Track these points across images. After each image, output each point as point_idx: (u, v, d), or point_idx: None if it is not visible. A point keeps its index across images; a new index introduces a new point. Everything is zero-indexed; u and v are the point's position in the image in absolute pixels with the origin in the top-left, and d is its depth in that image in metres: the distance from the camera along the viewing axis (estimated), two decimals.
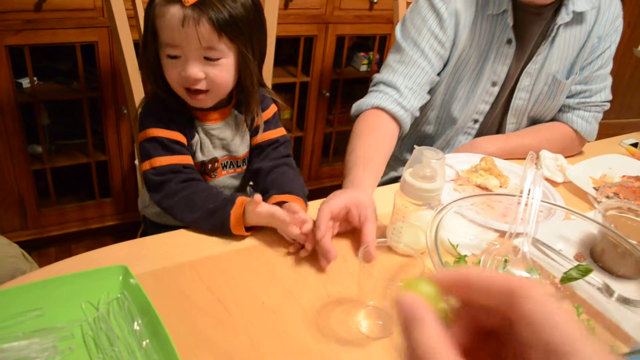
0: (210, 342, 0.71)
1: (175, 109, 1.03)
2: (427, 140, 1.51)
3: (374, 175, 1.10)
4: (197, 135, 1.06)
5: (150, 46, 0.96)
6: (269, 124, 1.14)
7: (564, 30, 1.30)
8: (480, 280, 0.36)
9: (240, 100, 1.09)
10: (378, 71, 2.43)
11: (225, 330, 0.73)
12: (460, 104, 1.38)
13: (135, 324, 0.71)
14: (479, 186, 1.19)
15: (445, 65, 1.34)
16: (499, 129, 1.45)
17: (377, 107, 1.26)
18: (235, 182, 1.17)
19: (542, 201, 0.90)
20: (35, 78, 1.83)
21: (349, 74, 2.48)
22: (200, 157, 1.08)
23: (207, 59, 0.95)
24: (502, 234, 0.97)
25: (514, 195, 0.91)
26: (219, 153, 1.10)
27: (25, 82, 1.85)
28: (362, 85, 2.57)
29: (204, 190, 0.97)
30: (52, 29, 1.73)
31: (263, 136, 1.13)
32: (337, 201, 0.92)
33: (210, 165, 1.10)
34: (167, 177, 0.97)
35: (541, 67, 1.33)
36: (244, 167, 1.16)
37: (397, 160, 1.56)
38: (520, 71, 1.34)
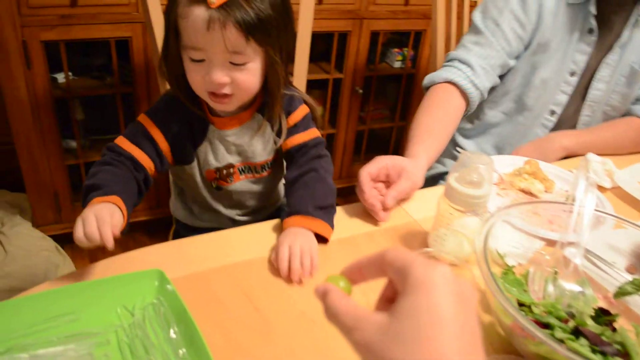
0: (247, 352, 0.68)
1: (190, 113, 0.98)
2: (495, 129, 1.47)
3: (432, 149, 1.13)
4: (205, 142, 1.01)
5: (172, 46, 0.90)
6: (297, 127, 1.05)
7: None
8: (363, 264, 0.47)
9: (264, 103, 1.02)
10: (413, 68, 2.40)
11: (264, 341, 0.70)
12: (537, 92, 1.36)
13: (172, 331, 0.69)
14: (523, 190, 1.14)
15: (526, 49, 1.33)
16: (574, 123, 1.42)
17: (450, 81, 1.27)
18: (256, 188, 1.11)
19: (595, 210, 0.86)
20: (70, 73, 1.84)
21: (382, 71, 2.43)
22: (214, 163, 1.03)
23: (232, 63, 0.89)
24: (549, 242, 0.92)
25: (568, 204, 0.86)
26: (234, 159, 1.04)
27: (61, 77, 1.86)
28: (395, 82, 2.52)
29: (120, 174, 0.89)
30: (87, 24, 1.73)
31: (292, 140, 1.05)
32: (375, 164, 0.99)
33: (225, 171, 1.05)
34: (112, 155, 0.92)
35: (620, 58, 1.31)
36: (265, 173, 1.09)
37: (448, 152, 1.53)
38: (598, 61, 1.32)
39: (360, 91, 2.32)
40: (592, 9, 1.24)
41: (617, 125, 1.39)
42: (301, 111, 1.06)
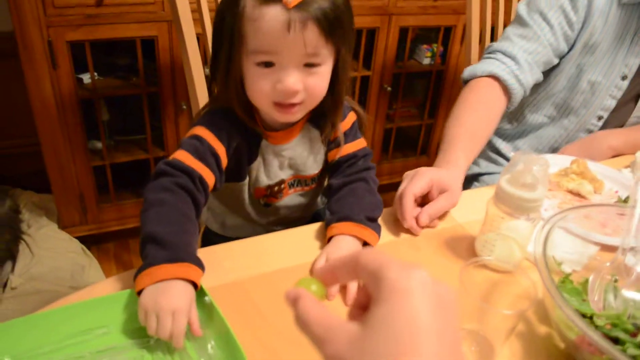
0: None
1: (245, 127, 0.89)
2: (536, 131, 1.40)
3: (472, 153, 1.07)
4: (259, 158, 0.93)
5: (235, 54, 0.80)
6: (346, 137, 0.99)
7: None
8: (337, 266, 0.44)
9: (318, 113, 0.93)
10: (442, 64, 2.32)
11: (306, 355, 0.66)
12: (584, 96, 1.29)
13: (209, 346, 0.64)
14: (571, 192, 1.08)
15: (570, 49, 1.26)
16: (621, 124, 1.35)
17: (493, 76, 1.20)
18: (304, 200, 1.04)
19: None
20: (95, 73, 1.82)
21: (411, 68, 2.37)
22: (265, 181, 0.95)
23: (307, 65, 0.80)
24: (604, 247, 0.86)
25: (629, 207, 0.80)
26: (286, 174, 0.97)
27: (86, 78, 1.84)
28: (424, 79, 2.46)
29: (185, 214, 0.76)
30: (112, 24, 1.70)
31: (340, 150, 0.98)
32: (419, 181, 0.91)
33: (277, 188, 0.98)
34: (174, 173, 0.79)
35: None
36: (313, 185, 1.03)
37: (483, 152, 1.47)
38: None
39: (389, 89, 2.27)
40: None
41: None
42: (350, 119, 1.00)
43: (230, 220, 1.07)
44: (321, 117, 0.94)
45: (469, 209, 0.96)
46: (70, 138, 1.82)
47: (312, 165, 0.99)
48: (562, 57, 1.28)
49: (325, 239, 0.86)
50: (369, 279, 0.39)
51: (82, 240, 2.00)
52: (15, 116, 2.05)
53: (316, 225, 0.90)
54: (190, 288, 0.68)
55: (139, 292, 0.66)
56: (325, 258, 0.80)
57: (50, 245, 1.89)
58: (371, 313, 0.37)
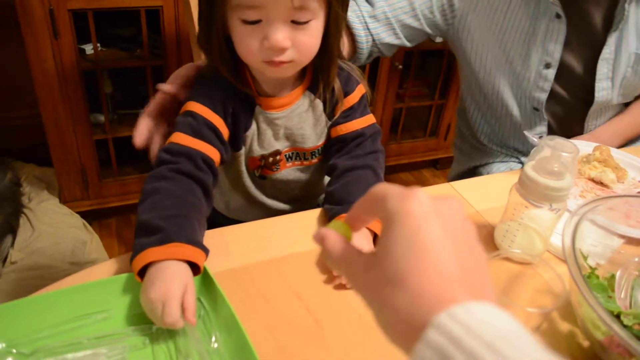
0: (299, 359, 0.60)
1: (237, 91, 0.84)
2: (497, 135, 1.35)
3: None
4: (254, 125, 0.87)
5: (218, 11, 0.75)
6: (354, 111, 0.92)
7: (637, 4, 1.12)
8: (360, 206, 0.45)
9: (316, 78, 0.88)
10: None
11: (317, 347, 0.62)
12: (512, 91, 1.23)
13: (213, 338, 0.60)
14: (593, 180, 1.03)
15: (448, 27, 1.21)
16: (581, 124, 1.27)
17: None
18: (303, 176, 0.97)
19: None
20: (98, 44, 1.76)
21: (423, 46, 2.29)
22: (258, 150, 0.89)
23: (294, 22, 0.74)
24: (628, 240, 0.82)
25: None
26: (281, 145, 0.91)
27: (89, 49, 1.78)
28: (436, 58, 2.40)
29: (182, 198, 0.72)
30: None
31: (347, 126, 0.91)
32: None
33: (271, 159, 0.91)
34: (172, 159, 0.76)
35: (617, 50, 1.15)
36: (314, 159, 0.95)
37: (463, 151, 1.42)
38: (595, 58, 1.16)
39: (400, 67, 2.20)
40: None
41: None
42: (359, 92, 0.92)
43: (234, 200, 1.02)
44: (321, 83, 0.88)
45: (488, 196, 0.91)
46: (72, 111, 1.77)
47: (312, 138, 0.92)
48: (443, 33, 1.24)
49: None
50: (379, 211, 0.40)
51: (84, 215, 1.97)
52: (16, 87, 2.00)
53: (315, 212, 0.86)
54: (185, 269, 0.63)
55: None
56: None
57: (51, 220, 1.85)
58: (378, 242, 0.39)
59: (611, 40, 1.14)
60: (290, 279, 0.71)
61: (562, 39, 1.13)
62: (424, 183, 2.55)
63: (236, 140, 0.87)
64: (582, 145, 1.11)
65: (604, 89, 1.19)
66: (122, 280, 0.65)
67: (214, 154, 0.80)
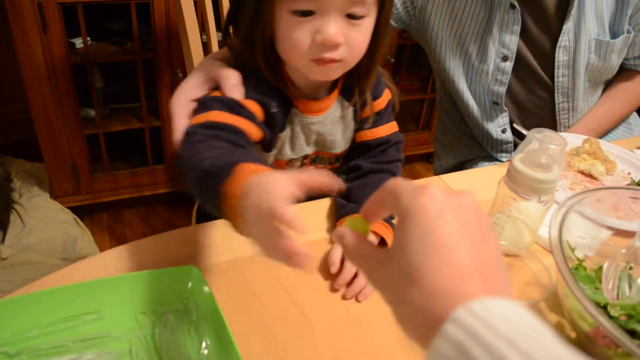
0: (286, 354, 0.60)
1: (276, 91, 0.77)
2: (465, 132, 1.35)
3: None
4: (288, 129, 0.82)
5: (267, 4, 0.68)
6: (380, 117, 0.88)
7: None
8: (376, 200, 0.45)
9: (348, 83, 0.82)
10: None
11: (305, 342, 0.62)
12: (470, 87, 1.23)
13: (204, 344, 0.60)
14: (582, 172, 1.03)
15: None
16: (552, 116, 1.27)
17: None
18: None
19: None
20: (88, 38, 1.75)
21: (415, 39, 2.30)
22: (289, 154, 0.85)
23: (350, 16, 0.68)
24: (617, 232, 0.82)
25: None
26: (310, 149, 0.87)
27: (79, 42, 1.77)
28: None
29: (224, 148, 0.63)
30: None
31: (372, 133, 0.88)
32: None
33: (298, 163, 0.87)
34: (207, 132, 0.66)
35: (576, 36, 1.15)
36: (337, 164, 0.92)
37: (445, 145, 1.43)
38: (552, 47, 1.16)
39: (392, 60, 2.20)
40: None
41: (627, 89, 1.28)
42: (386, 97, 0.89)
43: None
44: (355, 88, 0.83)
45: (477, 189, 0.91)
46: (62, 105, 1.76)
47: (340, 143, 0.88)
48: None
49: (333, 217, 0.82)
50: (393, 207, 0.41)
51: (75, 210, 1.96)
52: (5, 81, 1.98)
53: (322, 202, 0.86)
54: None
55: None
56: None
57: (42, 215, 1.84)
58: (394, 238, 0.39)
59: (567, 27, 1.13)
60: (278, 273, 0.70)
61: (518, 29, 1.13)
62: (416, 176, 2.55)
63: (269, 141, 0.81)
64: (572, 137, 1.11)
65: (564, 76, 1.19)
66: (116, 281, 0.64)
67: (254, 132, 0.72)
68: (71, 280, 0.64)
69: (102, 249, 1.92)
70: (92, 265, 0.69)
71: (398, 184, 0.41)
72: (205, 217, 0.90)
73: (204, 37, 1.23)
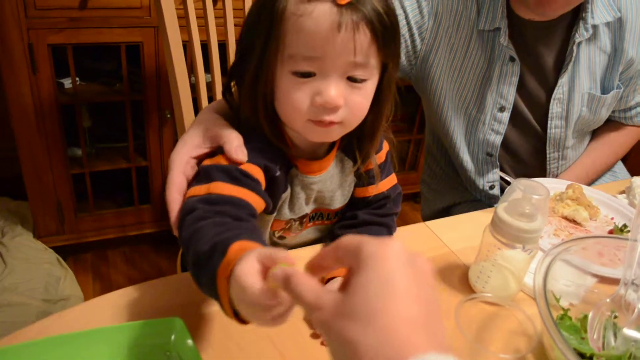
0: None
1: (276, 151, 0.75)
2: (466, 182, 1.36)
3: None
4: (289, 189, 0.79)
5: (268, 61, 0.67)
6: (380, 171, 0.86)
7: (586, 45, 1.15)
8: (323, 256, 0.46)
9: (350, 141, 0.81)
10: None
11: None
12: (466, 139, 1.25)
13: None
14: (566, 218, 1.04)
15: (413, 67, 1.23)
16: (542, 164, 1.29)
17: None
18: (320, 235, 0.91)
19: None
20: (77, 78, 1.76)
21: (401, 80, 2.33)
22: (288, 214, 0.81)
23: (351, 79, 0.67)
24: (602, 279, 0.83)
25: (632, 240, 0.76)
26: (310, 208, 0.84)
27: (67, 83, 1.78)
28: (414, 93, 2.42)
29: (223, 225, 0.60)
30: (97, 28, 1.65)
31: (373, 188, 0.86)
32: None
33: (297, 222, 0.84)
34: (208, 208, 0.63)
35: (570, 90, 1.18)
36: (335, 219, 0.90)
37: (432, 188, 1.44)
38: (547, 99, 1.19)
39: None
40: (503, 41, 1.12)
41: (612, 138, 1.33)
42: (384, 150, 0.88)
43: None
44: (355, 144, 0.81)
45: (462, 236, 0.92)
46: (49, 144, 1.75)
47: (339, 199, 0.86)
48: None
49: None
50: (350, 257, 0.43)
51: (59, 250, 1.93)
52: None
53: (307, 250, 0.86)
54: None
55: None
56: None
57: (24, 255, 1.81)
58: (350, 281, 0.41)
59: (563, 81, 1.16)
60: (264, 330, 0.69)
61: (516, 81, 1.16)
62: (403, 216, 2.55)
63: (271, 203, 0.77)
64: (555, 183, 1.13)
65: (557, 127, 1.21)
66: (97, 333, 0.63)
67: (257, 203, 0.69)
68: (51, 331, 0.63)
69: (85, 289, 1.89)
70: (73, 315, 0.68)
71: (359, 237, 0.44)
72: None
73: (193, 78, 1.25)
